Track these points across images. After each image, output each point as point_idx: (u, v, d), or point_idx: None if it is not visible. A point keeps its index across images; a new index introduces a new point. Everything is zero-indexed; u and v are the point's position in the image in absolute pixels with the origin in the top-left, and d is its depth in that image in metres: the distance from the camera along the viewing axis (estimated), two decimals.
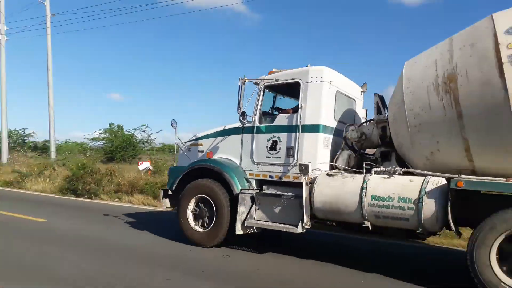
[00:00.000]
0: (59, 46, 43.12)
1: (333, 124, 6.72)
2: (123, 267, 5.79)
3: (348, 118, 7.03)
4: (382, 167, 5.97)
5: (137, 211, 11.26)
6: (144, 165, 15.79)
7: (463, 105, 4.88)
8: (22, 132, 30.64)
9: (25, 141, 30.18)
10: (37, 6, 24.79)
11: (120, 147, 26.28)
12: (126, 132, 27.41)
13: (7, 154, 24.07)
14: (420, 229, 5.23)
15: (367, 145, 6.71)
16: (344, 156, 6.48)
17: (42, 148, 30.40)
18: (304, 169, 5.98)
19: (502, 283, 4.51)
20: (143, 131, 27.24)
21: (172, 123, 7.80)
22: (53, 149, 24.47)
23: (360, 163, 6.38)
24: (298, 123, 6.53)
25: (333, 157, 6.56)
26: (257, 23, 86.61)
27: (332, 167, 6.45)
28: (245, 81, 6.77)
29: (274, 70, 7.17)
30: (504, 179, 4.83)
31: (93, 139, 27.93)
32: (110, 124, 27.92)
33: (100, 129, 27.76)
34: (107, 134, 27.42)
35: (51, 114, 23.93)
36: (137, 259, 6.25)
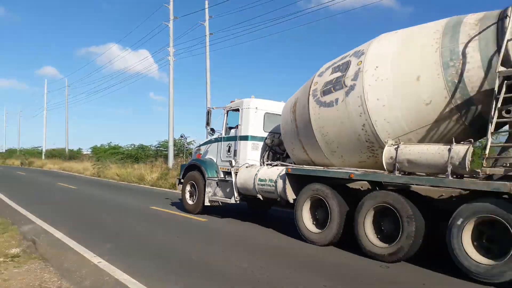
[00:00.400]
0: (215, 59, 45.41)
1: (262, 134, 10.17)
2: (279, 269, 6.01)
3: (277, 129, 9.87)
4: (272, 161, 9.66)
5: None
6: None
7: (297, 119, 8.29)
8: (185, 140, 32.10)
9: (186, 149, 31.69)
10: (197, 27, 28.74)
11: None
12: None
13: (172, 160, 25.84)
14: (278, 198, 8.68)
15: (278, 147, 10.09)
16: (265, 154, 10.07)
17: None
18: (232, 164, 9.91)
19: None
20: None
21: (181, 136, 14.09)
22: None
23: (274, 158, 9.89)
24: (237, 135, 10.33)
25: (262, 155, 10.09)
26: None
27: (263, 162, 9.93)
28: (212, 108, 11.12)
29: (235, 99, 10.79)
30: (322, 168, 7.91)
31: None
32: None
33: None
34: None
35: None
36: (286, 260, 6.56)
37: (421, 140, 6.64)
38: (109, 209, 12.29)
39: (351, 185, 8.10)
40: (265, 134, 10.14)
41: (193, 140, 33.55)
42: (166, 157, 28.51)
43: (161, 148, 32.96)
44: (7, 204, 12.54)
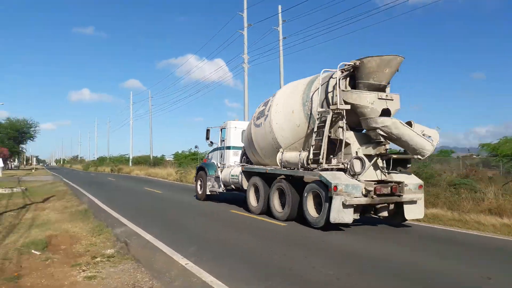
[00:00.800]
0: (287, 63, 47.44)
1: (240, 145, 14.56)
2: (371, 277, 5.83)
3: None
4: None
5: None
6: None
7: (248, 136, 13.07)
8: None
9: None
10: (271, 32, 27.94)
11: None
12: None
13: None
14: (241, 187, 13.17)
15: None
16: (242, 158, 14.31)
17: None
18: (218, 165, 14.91)
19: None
20: None
21: (196, 147, 21.81)
22: None
23: (247, 161, 13.86)
24: (224, 145, 15.04)
25: (249, 160, 13.74)
26: None
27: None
28: (210, 128, 16.05)
29: (233, 120, 15.45)
30: (256, 166, 12.66)
31: None
32: None
33: None
34: None
35: None
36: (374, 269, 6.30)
37: (302, 147, 10.70)
38: (192, 213, 12.78)
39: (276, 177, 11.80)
40: (242, 145, 14.44)
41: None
42: None
43: None
44: (101, 208, 13.56)
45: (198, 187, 16.07)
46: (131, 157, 61.12)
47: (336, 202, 8.76)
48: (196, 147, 22.28)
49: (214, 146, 15.89)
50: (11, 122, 72.03)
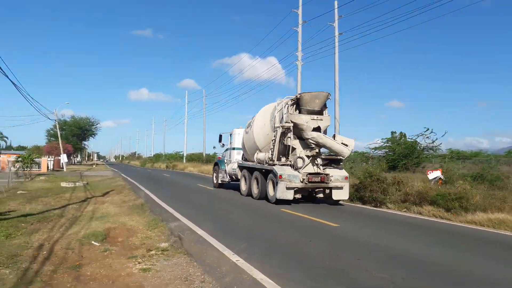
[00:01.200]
0: (343, 61, 47.21)
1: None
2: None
3: None
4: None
5: (427, 223, 10.90)
6: (434, 174, 14.93)
7: (242, 140, 18.58)
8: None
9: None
10: (326, 28, 28.35)
11: (403, 155, 25.21)
12: (408, 139, 26.21)
13: None
14: (238, 178, 17.69)
15: None
16: (242, 156, 18.93)
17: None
18: (226, 161, 20.17)
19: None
20: (427, 137, 25.40)
21: (213, 147, 27.68)
22: None
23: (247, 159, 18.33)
24: (230, 147, 20.15)
25: (245, 158, 18.18)
26: None
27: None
28: (222, 134, 21.49)
29: (234, 128, 20.13)
30: (247, 162, 17.62)
31: (375, 148, 27.97)
32: (392, 132, 27.34)
33: (381, 138, 27.95)
34: (389, 142, 26.93)
35: (336, 127, 24.83)
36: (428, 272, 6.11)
37: (268, 150, 14.94)
38: (242, 210, 12.93)
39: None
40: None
41: None
42: None
43: None
44: (157, 203, 14.02)
45: (214, 178, 21.44)
46: (185, 154, 62.84)
47: (281, 185, 13.47)
48: (214, 147, 27.98)
49: (225, 147, 21.05)
50: (75, 120, 76.47)
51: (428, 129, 25.27)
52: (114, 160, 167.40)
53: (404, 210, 12.97)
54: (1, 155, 42.00)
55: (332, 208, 13.67)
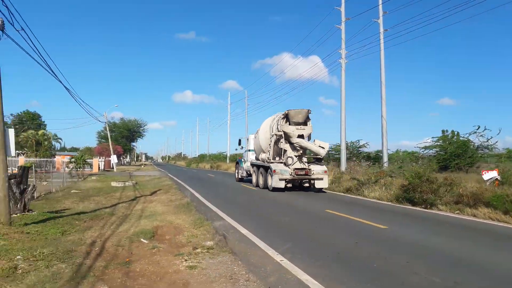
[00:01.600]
0: (388, 58, 45.58)
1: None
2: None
3: None
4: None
5: (482, 226, 10.26)
6: (490, 174, 13.98)
7: (253, 143, 24.45)
8: (357, 144, 31.68)
9: (359, 152, 30.97)
10: (371, 25, 28.63)
11: (455, 154, 23.85)
12: (460, 138, 24.88)
13: (345, 163, 25.56)
14: (252, 173, 23.23)
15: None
16: (255, 156, 23.70)
17: (374, 158, 30.32)
18: (244, 160, 26.64)
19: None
20: (481, 135, 23.99)
21: (236, 149, 36.95)
22: (385, 158, 24.69)
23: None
24: (247, 149, 26.35)
25: (257, 158, 22.99)
26: None
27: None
28: (241, 138, 28.71)
29: (251, 134, 26.23)
30: (256, 161, 22.91)
31: (425, 147, 26.63)
32: (443, 131, 26.20)
33: (432, 137, 26.56)
34: (440, 141, 25.69)
35: (383, 125, 24.51)
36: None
37: (270, 151, 19.97)
38: (286, 210, 12.87)
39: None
40: None
41: (366, 143, 33.05)
42: (337, 160, 28.25)
43: (332, 152, 31.89)
44: (202, 202, 14.30)
45: (236, 173, 27.55)
46: (228, 155, 63.58)
47: (275, 177, 18.06)
48: (236, 149, 33.97)
49: (244, 149, 27.01)
50: (124, 122, 79.57)
51: (479, 127, 23.90)
52: (161, 160, 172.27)
53: (457, 212, 12.30)
54: (56, 156, 44.34)
55: (379, 210, 13.33)
